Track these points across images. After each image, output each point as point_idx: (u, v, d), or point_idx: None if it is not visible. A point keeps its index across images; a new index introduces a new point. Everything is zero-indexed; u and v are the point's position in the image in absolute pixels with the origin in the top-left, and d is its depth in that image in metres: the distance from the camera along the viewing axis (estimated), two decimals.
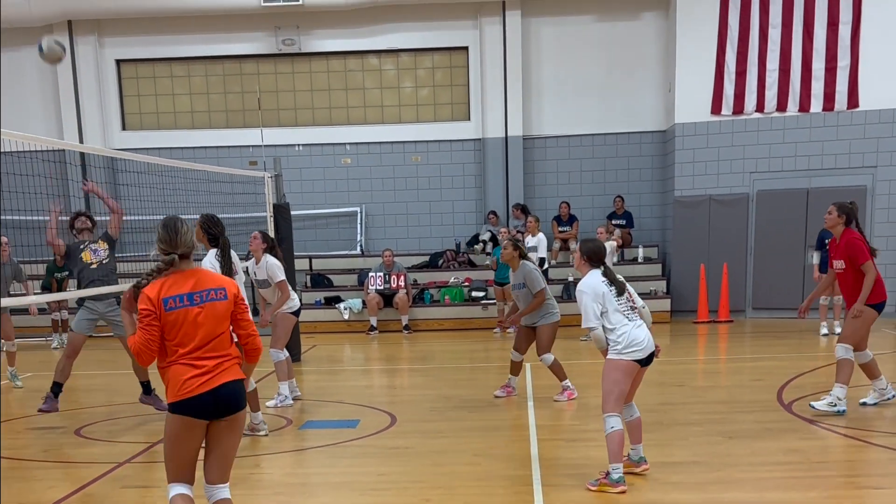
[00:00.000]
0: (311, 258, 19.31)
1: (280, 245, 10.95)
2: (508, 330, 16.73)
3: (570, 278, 17.46)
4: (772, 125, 17.25)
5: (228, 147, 19.54)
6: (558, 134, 19.51)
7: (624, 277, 6.99)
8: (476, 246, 19.18)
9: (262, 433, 8.89)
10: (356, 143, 19.88)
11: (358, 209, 19.98)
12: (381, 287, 17.50)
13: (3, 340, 12.21)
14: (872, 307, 8.95)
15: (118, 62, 20.02)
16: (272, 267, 10.04)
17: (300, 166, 19.54)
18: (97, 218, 10.52)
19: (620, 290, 6.73)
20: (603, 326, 6.66)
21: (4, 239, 12.33)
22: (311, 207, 19.68)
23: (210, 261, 8.34)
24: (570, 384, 10.33)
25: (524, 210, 18.73)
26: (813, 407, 8.94)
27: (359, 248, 19.76)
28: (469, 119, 19.78)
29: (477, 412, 9.86)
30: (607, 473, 6.68)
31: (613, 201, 19.06)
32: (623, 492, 6.61)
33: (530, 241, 16.04)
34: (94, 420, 9.94)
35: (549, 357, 10.22)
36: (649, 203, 19.58)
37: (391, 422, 9.45)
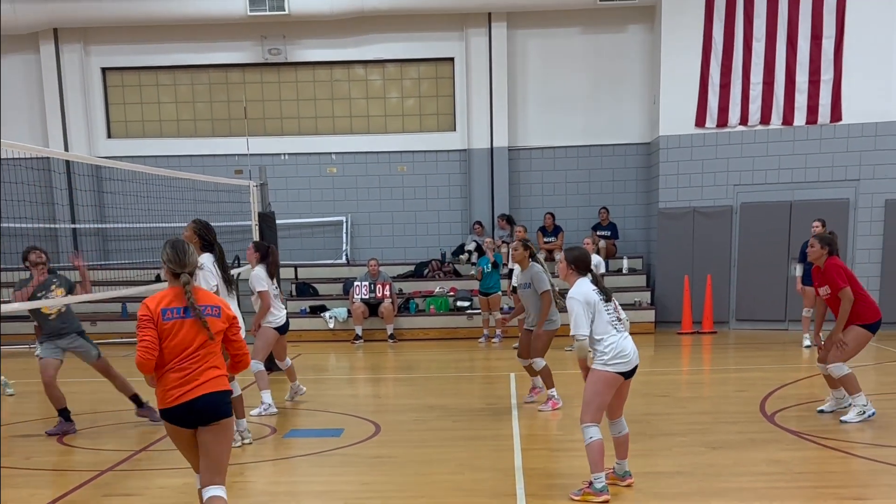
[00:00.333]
0: (296, 267, 19.29)
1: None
2: (493, 340, 16.79)
3: (556, 289, 17.43)
4: (755, 138, 17.34)
5: (214, 156, 19.52)
6: (543, 145, 19.56)
7: (608, 289, 7.03)
8: (461, 256, 19.19)
9: (247, 441, 8.93)
10: (342, 153, 19.89)
11: (343, 218, 19.97)
12: (367, 296, 17.49)
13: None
14: (866, 328, 9.11)
15: (104, 70, 19.97)
16: (252, 277, 10.32)
17: (286, 175, 19.54)
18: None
19: (608, 298, 6.77)
20: (590, 337, 6.68)
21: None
22: (296, 216, 19.67)
23: (208, 266, 8.30)
24: (555, 394, 10.37)
25: (509, 220, 18.79)
26: (845, 422, 9.06)
27: (344, 258, 19.75)
28: (455, 130, 19.82)
29: (461, 422, 9.87)
30: (590, 483, 6.71)
31: (598, 212, 19.13)
32: (606, 501, 6.64)
33: None
34: (78, 427, 9.89)
35: (541, 362, 10.29)
36: (634, 214, 19.66)
37: (375, 431, 9.45)
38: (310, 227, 20.05)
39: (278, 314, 10.57)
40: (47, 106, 19.65)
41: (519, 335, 15.97)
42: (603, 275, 15.15)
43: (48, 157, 17.39)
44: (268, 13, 18.40)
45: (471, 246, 18.96)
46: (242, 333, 5.88)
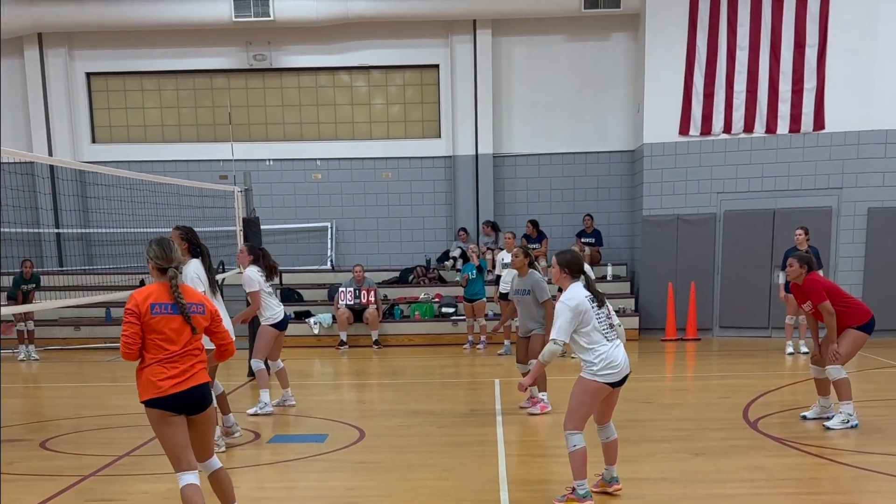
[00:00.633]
0: (281, 273, 19.23)
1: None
2: (478, 346, 16.80)
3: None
4: (739, 146, 17.43)
5: (199, 161, 19.48)
6: (528, 152, 19.60)
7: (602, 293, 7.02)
8: (446, 262, 19.21)
9: (237, 434, 9.23)
10: (327, 159, 19.88)
11: (328, 224, 19.96)
12: (352, 302, 17.48)
13: None
14: (860, 329, 9.19)
15: (88, 75, 19.91)
16: (245, 278, 10.63)
17: (271, 181, 19.53)
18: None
19: (601, 303, 6.78)
20: (580, 345, 6.66)
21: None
22: (281, 222, 19.64)
23: (195, 270, 8.25)
24: (545, 398, 10.42)
25: (494, 227, 18.83)
26: (828, 428, 9.12)
27: (329, 264, 19.74)
28: (440, 136, 19.85)
29: (446, 427, 9.88)
30: (573, 489, 6.72)
31: (583, 219, 19.16)
32: None
33: (506, 256, 16.19)
34: (60, 433, 9.86)
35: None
36: (618, 222, 19.71)
37: (360, 436, 9.45)
38: (294, 232, 20.03)
39: (276, 310, 10.80)
40: (31, 110, 19.57)
41: (504, 342, 16.13)
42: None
43: (32, 162, 17.31)
44: (253, 19, 18.38)
45: (456, 252, 18.98)
46: (227, 325, 6.16)
